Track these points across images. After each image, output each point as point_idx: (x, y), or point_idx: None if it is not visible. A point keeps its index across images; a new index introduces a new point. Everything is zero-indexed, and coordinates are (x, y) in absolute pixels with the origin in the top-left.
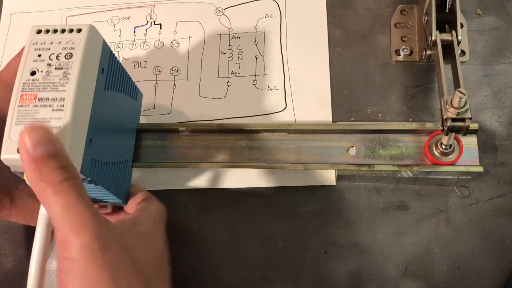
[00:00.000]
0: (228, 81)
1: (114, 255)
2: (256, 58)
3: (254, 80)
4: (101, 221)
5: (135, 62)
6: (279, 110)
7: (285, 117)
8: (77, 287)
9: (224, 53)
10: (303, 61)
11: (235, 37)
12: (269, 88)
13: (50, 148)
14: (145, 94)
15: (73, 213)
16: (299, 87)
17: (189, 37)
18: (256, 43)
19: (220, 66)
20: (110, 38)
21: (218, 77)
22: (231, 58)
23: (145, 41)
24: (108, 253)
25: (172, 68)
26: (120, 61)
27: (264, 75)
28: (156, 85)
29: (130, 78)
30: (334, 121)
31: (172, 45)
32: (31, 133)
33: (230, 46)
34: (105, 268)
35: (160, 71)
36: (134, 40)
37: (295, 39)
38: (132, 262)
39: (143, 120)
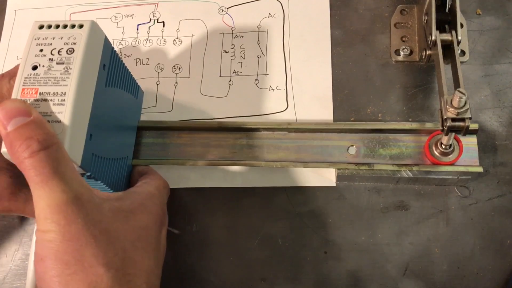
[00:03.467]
0: (230, 80)
1: (79, 228)
2: (259, 58)
3: (256, 79)
4: (75, 194)
5: (138, 59)
6: (281, 111)
7: (286, 118)
8: (46, 255)
9: (226, 52)
10: (305, 62)
11: (237, 36)
12: (271, 88)
13: (22, 120)
14: (147, 92)
15: (44, 189)
16: (301, 87)
17: (192, 35)
18: (258, 42)
19: (222, 64)
20: (113, 35)
21: (220, 76)
22: (233, 57)
23: (147, 39)
24: (74, 226)
25: (174, 66)
26: (123, 58)
27: (266, 75)
28: (158, 83)
29: (131, 75)
30: (334, 121)
31: (174, 43)
32: (2, 106)
33: (233, 45)
34: (70, 238)
35: (162, 69)
36: (137, 38)
37: (298, 39)
38: (103, 234)
39: (144, 117)
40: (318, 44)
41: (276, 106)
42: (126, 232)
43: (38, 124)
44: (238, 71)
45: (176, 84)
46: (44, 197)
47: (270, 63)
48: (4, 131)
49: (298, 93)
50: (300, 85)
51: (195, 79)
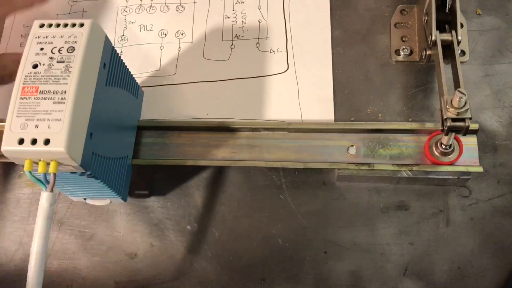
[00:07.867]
0: (232, 44)
1: None
2: (260, 22)
3: (257, 43)
4: None
5: (142, 26)
6: (281, 72)
7: (287, 80)
8: None
9: (228, 17)
10: (305, 24)
11: (239, 2)
12: (271, 51)
13: None
14: (151, 56)
15: None
16: (301, 49)
17: (194, 2)
18: (259, 7)
19: (224, 29)
20: (117, 3)
21: (222, 40)
22: (235, 22)
23: (151, 6)
24: None
25: (177, 32)
26: (127, 24)
27: (267, 38)
28: (161, 48)
29: (131, 75)
30: (335, 121)
31: (177, 9)
32: None
33: (234, 11)
34: None
35: (165, 34)
36: (140, 5)
37: (298, 3)
38: None
39: (148, 80)
40: (317, 7)
41: (277, 68)
42: None
43: None
44: (239, 35)
45: (179, 49)
46: None
47: (270, 27)
48: None
49: (298, 54)
50: (300, 47)
51: (198, 44)
